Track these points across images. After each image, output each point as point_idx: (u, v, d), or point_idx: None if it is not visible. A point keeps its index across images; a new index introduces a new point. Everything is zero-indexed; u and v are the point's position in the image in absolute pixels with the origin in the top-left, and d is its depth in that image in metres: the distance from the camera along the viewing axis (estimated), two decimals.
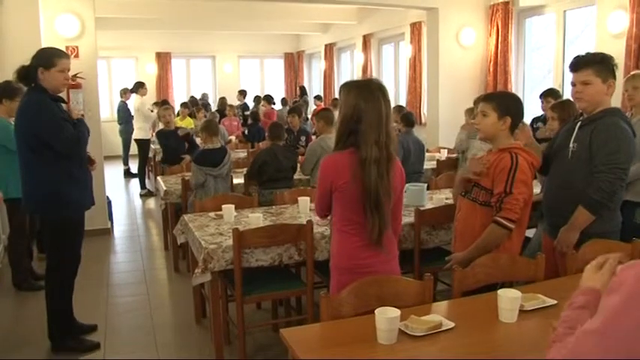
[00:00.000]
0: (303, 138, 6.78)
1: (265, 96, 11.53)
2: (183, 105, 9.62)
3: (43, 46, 5.35)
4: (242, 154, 7.22)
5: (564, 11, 6.79)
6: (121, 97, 10.24)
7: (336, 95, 12.75)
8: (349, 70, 12.75)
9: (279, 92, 14.57)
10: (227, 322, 3.50)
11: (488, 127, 2.68)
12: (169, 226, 5.20)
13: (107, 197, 6.35)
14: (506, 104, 2.68)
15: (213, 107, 12.17)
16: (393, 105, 3.36)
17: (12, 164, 3.91)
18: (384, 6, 8.85)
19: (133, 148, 10.27)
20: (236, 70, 14.89)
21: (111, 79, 13.27)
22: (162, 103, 10.10)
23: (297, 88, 14.27)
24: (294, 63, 15.45)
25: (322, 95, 12.80)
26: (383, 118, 2.19)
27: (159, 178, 5.62)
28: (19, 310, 4.33)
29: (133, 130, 9.56)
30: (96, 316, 3.96)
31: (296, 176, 5.20)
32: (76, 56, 5.82)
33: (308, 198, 3.89)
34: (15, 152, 3.34)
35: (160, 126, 8.74)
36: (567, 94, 5.60)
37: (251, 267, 3.12)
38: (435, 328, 1.88)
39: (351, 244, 2.28)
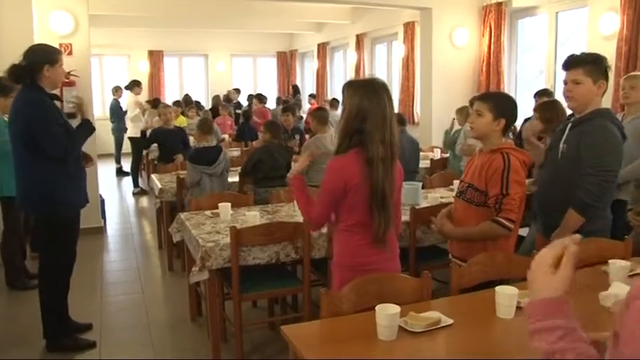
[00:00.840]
0: (297, 137, 6.79)
1: (257, 95, 11.52)
2: (176, 103, 9.60)
3: (37, 43, 5.34)
4: (235, 152, 7.22)
5: (556, 12, 6.85)
6: (114, 95, 10.19)
7: (329, 95, 12.79)
8: (342, 69, 12.78)
9: (271, 91, 14.58)
10: (224, 320, 3.51)
11: (482, 126, 2.70)
12: (164, 224, 5.20)
13: (100, 195, 6.33)
14: (502, 106, 2.71)
15: (207, 107, 12.15)
16: None
17: (6, 162, 3.90)
18: (378, 6, 8.87)
19: (125, 147, 10.25)
20: (228, 69, 14.87)
21: (103, 77, 13.21)
22: (154, 102, 10.09)
23: (290, 87, 14.28)
24: (286, 62, 15.45)
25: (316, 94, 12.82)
26: (387, 117, 2.20)
27: (153, 176, 5.61)
28: (12, 309, 4.31)
29: (125, 128, 9.54)
30: (91, 315, 3.94)
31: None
32: (70, 53, 5.80)
33: None
34: (9, 150, 3.32)
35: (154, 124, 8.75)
36: (559, 95, 5.67)
37: (248, 265, 3.14)
38: (434, 324, 1.91)
39: (354, 243, 2.29)
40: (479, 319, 2.01)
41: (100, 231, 6.23)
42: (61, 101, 3.41)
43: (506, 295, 2.00)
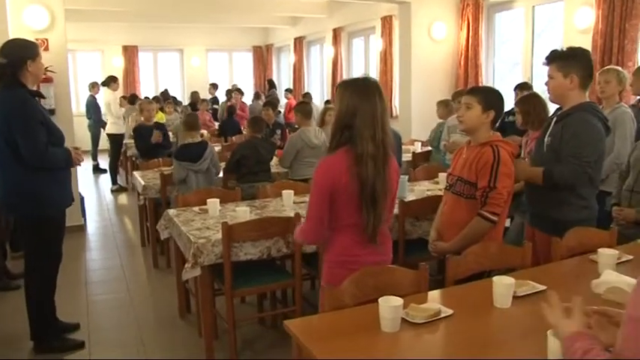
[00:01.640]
0: (278, 131, 6.78)
1: (237, 88, 11.45)
2: (155, 99, 9.48)
3: (12, 38, 5.21)
4: (216, 147, 7.15)
5: (533, 6, 6.96)
6: (90, 90, 10.01)
7: (307, 89, 12.79)
8: (319, 63, 12.77)
9: (247, 86, 14.50)
10: (214, 317, 3.50)
11: (472, 119, 2.74)
12: (148, 221, 5.14)
13: (80, 193, 6.23)
14: (491, 98, 2.76)
15: (184, 102, 12.04)
16: None
17: None
18: (360, 0, 8.89)
19: (102, 143, 10.09)
20: (204, 64, 14.74)
21: (76, 73, 12.96)
22: (131, 98, 9.97)
23: (266, 82, 14.22)
24: (262, 56, 15.38)
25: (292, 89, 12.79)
26: (378, 115, 2.17)
27: (135, 173, 5.54)
28: None
29: (102, 124, 9.39)
30: (77, 315, 3.89)
31: (274, 170, 5.21)
32: (46, 49, 5.67)
33: (292, 191, 3.92)
34: None
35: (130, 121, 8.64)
36: (536, 88, 5.78)
37: (240, 260, 3.13)
38: (435, 315, 1.94)
39: (342, 241, 2.26)
40: (477, 309, 2.05)
41: (81, 229, 6.14)
42: (43, 97, 3.32)
43: (503, 285, 2.05)
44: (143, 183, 4.96)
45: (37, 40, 5.37)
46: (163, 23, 12.53)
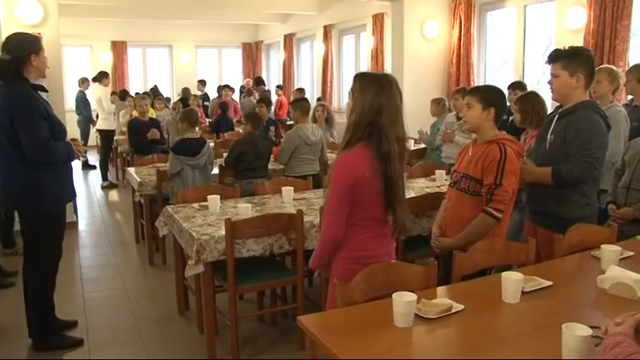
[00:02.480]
0: (272, 128, 6.77)
1: (226, 85, 11.40)
2: (146, 95, 9.42)
3: (3, 33, 5.15)
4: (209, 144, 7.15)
5: (525, 5, 7.02)
6: (80, 86, 9.90)
7: (297, 86, 12.77)
8: (309, 60, 12.75)
9: (237, 82, 14.43)
10: (215, 313, 3.50)
11: (473, 118, 2.78)
12: (144, 218, 5.11)
13: None
14: (490, 96, 2.80)
15: (173, 98, 11.96)
16: None
17: None
18: None
19: (91, 139, 10.00)
20: (193, 60, 14.66)
21: (64, 68, 12.78)
22: (122, 94, 9.88)
23: (254, 79, 14.14)
24: (252, 53, 15.33)
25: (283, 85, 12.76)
26: (400, 114, 2.21)
27: (130, 169, 5.50)
28: None
29: (92, 120, 9.31)
30: (74, 312, 3.86)
31: (270, 166, 5.21)
32: None
33: (291, 188, 3.93)
34: None
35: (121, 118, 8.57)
36: (530, 86, 5.84)
37: (242, 257, 3.13)
38: (447, 310, 1.96)
39: (357, 236, 2.27)
40: (487, 304, 2.07)
41: (73, 226, 6.08)
42: (46, 91, 3.29)
43: (513, 281, 2.07)
44: (139, 179, 4.92)
45: None
46: (152, 19, 12.43)
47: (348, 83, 10.24)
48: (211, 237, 3.04)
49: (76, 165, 9.99)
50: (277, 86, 12.24)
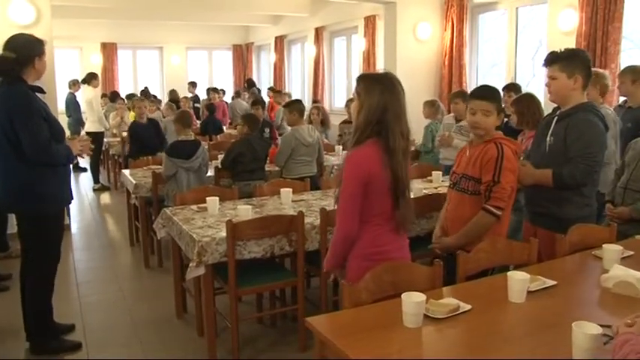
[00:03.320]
0: (267, 130, 6.76)
1: (213, 88, 11.38)
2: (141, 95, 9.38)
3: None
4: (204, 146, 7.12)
5: (516, 8, 7.08)
6: (70, 88, 9.82)
7: (287, 88, 12.77)
8: (300, 62, 12.76)
9: (227, 84, 14.41)
10: (215, 316, 3.48)
11: (489, 125, 2.76)
12: (140, 220, 5.07)
13: None
14: (500, 102, 2.86)
15: (163, 100, 11.89)
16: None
17: None
18: None
19: None
20: (184, 62, 14.61)
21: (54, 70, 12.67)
22: (112, 95, 9.82)
23: (245, 81, 14.12)
24: (242, 55, 15.31)
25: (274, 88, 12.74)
26: (403, 110, 2.27)
27: (125, 171, 5.47)
28: None
29: (82, 122, 9.23)
30: (71, 316, 3.83)
31: (267, 168, 5.20)
32: None
33: (290, 189, 3.93)
34: None
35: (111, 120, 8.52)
36: (524, 88, 5.89)
37: (243, 259, 3.12)
38: (455, 310, 1.97)
39: (373, 232, 2.31)
40: (493, 304, 2.09)
41: (66, 229, 5.97)
42: (44, 92, 3.26)
43: (519, 281, 2.09)
44: (134, 182, 4.89)
45: None
46: (143, 20, 12.37)
47: (339, 85, 10.34)
48: (212, 239, 3.03)
49: None
50: (269, 88, 12.22)
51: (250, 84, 12.98)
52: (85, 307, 4.11)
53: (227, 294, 3.16)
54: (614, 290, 2.17)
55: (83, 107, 9.20)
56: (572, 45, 5.90)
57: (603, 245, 2.49)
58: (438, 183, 4.45)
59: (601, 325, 1.66)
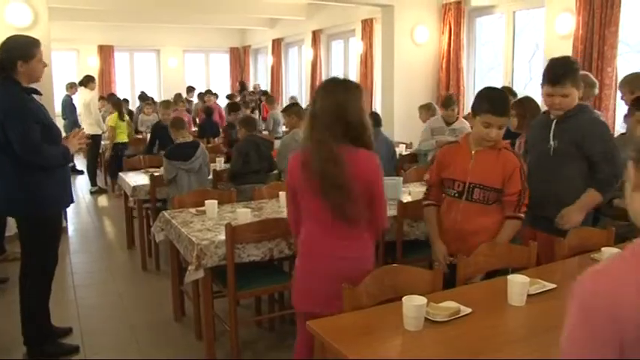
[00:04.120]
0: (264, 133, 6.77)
1: (208, 90, 11.36)
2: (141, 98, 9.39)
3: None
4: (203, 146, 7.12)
5: (514, 12, 7.11)
6: (67, 90, 9.80)
7: (285, 91, 12.81)
8: (297, 65, 12.77)
9: (224, 87, 14.42)
10: (214, 319, 3.47)
11: (501, 136, 2.72)
12: (139, 223, 5.06)
13: None
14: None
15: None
16: None
17: None
18: (341, 2, 8.92)
19: None
20: (181, 65, 14.61)
21: (50, 73, 12.65)
22: (109, 97, 9.80)
23: (237, 83, 14.07)
24: (239, 58, 15.31)
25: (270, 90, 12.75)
26: (340, 107, 2.24)
27: (122, 174, 5.45)
28: None
29: (77, 125, 9.20)
30: (68, 319, 3.81)
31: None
32: None
33: None
34: None
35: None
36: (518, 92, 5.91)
37: (242, 262, 3.12)
38: (456, 313, 1.97)
39: (307, 230, 2.39)
40: (493, 307, 2.09)
41: (63, 232, 5.98)
42: (40, 94, 3.24)
43: (519, 284, 2.09)
44: (132, 184, 4.88)
45: None
46: (140, 23, 12.37)
47: None
48: (211, 242, 3.03)
49: None
50: (263, 93, 12.20)
51: (242, 87, 12.95)
52: (82, 310, 4.09)
53: (226, 297, 3.15)
54: None
55: (79, 109, 9.17)
56: (569, 49, 5.93)
57: (602, 248, 2.51)
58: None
59: None
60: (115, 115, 8.21)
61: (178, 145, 4.65)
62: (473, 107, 2.75)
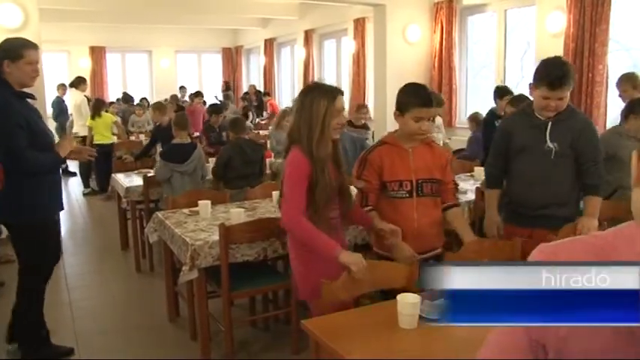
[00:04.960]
0: (224, 134, 6.66)
1: (197, 92, 11.34)
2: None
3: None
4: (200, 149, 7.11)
5: (505, 10, 7.14)
6: (57, 91, 9.75)
7: (277, 91, 12.81)
8: (290, 65, 12.77)
9: (217, 88, 14.38)
10: (208, 319, 3.47)
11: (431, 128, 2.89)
12: (132, 225, 5.04)
13: None
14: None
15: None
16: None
17: None
18: (333, 2, 8.93)
19: None
20: (173, 65, 14.57)
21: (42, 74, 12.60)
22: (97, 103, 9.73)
23: (223, 83, 14.03)
24: (232, 58, 15.29)
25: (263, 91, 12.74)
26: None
27: (115, 175, 5.44)
28: None
29: (70, 126, 9.17)
30: (62, 320, 3.80)
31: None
32: None
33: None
34: None
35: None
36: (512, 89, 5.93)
37: (236, 262, 3.12)
38: None
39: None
40: None
41: None
42: (34, 98, 3.21)
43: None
44: (125, 185, 4.87)
45: None
46: (132, 24, 12.33)
47: None
48: (205, 242, 3.03)
49: None
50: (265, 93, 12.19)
51: (227, 87, 12.90)
52: (76, 311, 4.07)
53: (220, 297, 3.15)
54: None
55: (71, 110, 9.14)
56: (560, 47, 5.96)
57: None
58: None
59: None
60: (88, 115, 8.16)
61: (175, 145, 4.63)
62: (398, 106, 2.67)
